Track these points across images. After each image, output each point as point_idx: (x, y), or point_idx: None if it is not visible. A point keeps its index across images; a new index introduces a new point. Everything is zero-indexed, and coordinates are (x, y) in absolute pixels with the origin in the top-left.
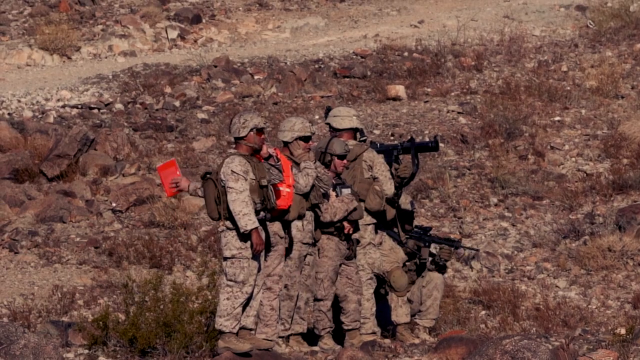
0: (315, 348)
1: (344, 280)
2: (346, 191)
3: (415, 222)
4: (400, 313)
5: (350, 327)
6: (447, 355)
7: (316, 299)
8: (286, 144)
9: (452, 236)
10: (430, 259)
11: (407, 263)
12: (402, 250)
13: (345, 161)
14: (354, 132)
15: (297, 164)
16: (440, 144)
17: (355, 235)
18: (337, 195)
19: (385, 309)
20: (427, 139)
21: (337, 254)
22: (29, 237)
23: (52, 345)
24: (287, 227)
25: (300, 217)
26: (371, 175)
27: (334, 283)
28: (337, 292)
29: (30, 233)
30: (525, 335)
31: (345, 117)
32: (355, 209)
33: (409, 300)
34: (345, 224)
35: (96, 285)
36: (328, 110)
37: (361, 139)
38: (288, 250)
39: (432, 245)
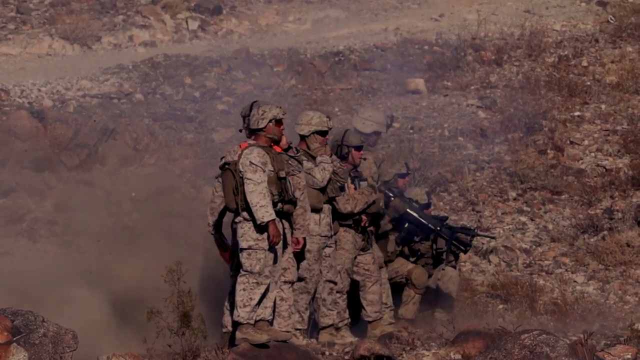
0: (349, 340)
1: (362, 272)
2: (364, 184)
3: (433, 213)
4: (409, 309)
5: (372, 318)
6: (465, 349)
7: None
8: (303, 137)
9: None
10: (446, 248)
11: (424, 257)
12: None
13: (362, 152)
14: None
15: (314, 158)
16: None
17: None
18: (355, 188)
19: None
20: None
21: (354, 246)
22: (48, 226)
23: (72, 334)
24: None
25: (317, 210)
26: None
27: (350, 275)
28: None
29: (49, 222)
30: (543, 330)
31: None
32: (374, 202)
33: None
34: (363, 216)
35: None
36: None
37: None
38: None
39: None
